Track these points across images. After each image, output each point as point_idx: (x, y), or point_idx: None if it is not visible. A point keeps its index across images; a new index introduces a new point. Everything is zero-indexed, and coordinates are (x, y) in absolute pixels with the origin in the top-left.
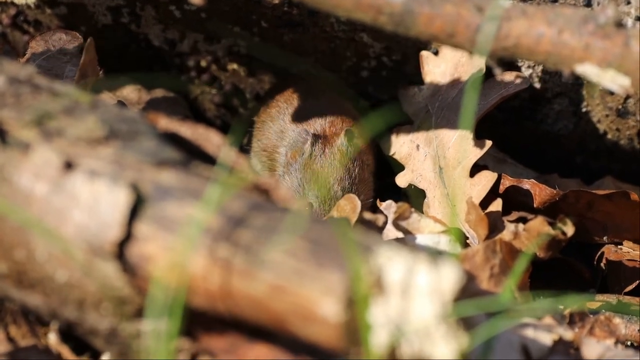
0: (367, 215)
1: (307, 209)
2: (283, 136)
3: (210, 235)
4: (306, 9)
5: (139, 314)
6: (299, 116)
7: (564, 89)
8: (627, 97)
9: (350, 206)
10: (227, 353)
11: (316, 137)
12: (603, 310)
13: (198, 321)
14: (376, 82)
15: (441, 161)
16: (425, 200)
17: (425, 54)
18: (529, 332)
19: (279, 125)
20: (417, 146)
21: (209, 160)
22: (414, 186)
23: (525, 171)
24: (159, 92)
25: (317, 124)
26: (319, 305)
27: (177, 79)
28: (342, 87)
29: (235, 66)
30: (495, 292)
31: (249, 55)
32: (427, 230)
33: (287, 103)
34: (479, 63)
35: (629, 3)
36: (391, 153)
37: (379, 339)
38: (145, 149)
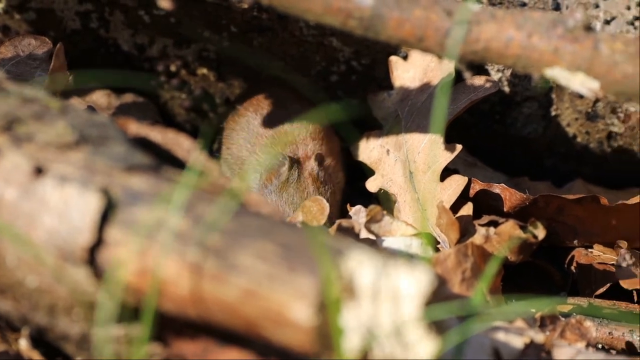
0: (344, 223)
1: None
2: (254, 150)
3: (180, 239)
4: (276, 14)
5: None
6: (268, 125)
7: (533, 93)
8: (597, 100)
9: (317, 207)
10: (199, 358)
11: (293, 161)
12: (574, 314)
13: (169, 326)
14: (346, 87)
15: (411, 166)
16: (396, 204)
17: (394, 59)
18: (501, 335)
19: (249, 136)
20: (387, 151)
21: (179, 164)
22: (384, 190)
23: (496, 175)
24: (128, 97)
25: (291, 147)
26: (291, 309)
27: (146, 78)
28: (311, 92)
29: (204, 71)
30: (467, 296)
31: (219, 59)
32: (399, 233)
33: (256, 113)
34: (448, 67)
35: (597, 7)
36: (361, 158)
37: (350, 343)
38: (115, 153)
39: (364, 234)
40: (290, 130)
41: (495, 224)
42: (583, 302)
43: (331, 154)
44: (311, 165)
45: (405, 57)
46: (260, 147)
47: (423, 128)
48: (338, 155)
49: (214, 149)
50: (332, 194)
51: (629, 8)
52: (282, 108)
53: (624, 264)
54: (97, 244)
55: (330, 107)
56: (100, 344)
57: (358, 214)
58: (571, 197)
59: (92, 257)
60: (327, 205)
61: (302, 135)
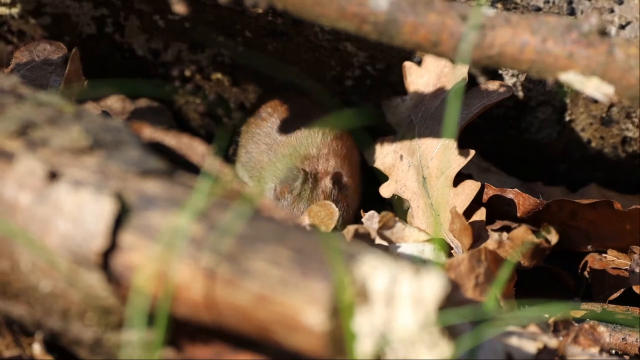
0: (361, 230)
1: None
2: (275, 156)
3: (194, 244)
4: (290, 19)
5: (123, 324)
6: (290, 134)
7: (547, 98)
8: (611, 105)
9: (325, 212)
10: None
11: (307, 175)
12: (587, 319)
13: (182, 331)
14: (360, 91)
15: (425, 171)
16: (410, 210)
17: (408, 64)
18: (514, 340)
19: (271, 141)
20: (401, 156)
21: (194, 169)
22: (398, 196)
23: (509, 180)
24: (143, 102)
25: (310, 160)
26: (304, 314)
27: (160, 85)
28: (326, 96)
29: (219, 76)
30: (480, 301)
31: (233, 64)
32: (412, 239)
33: (280, 119)
34: (462, 72)
35: (612, 11)
36: (375, 163)
37: (363, 348)
38: (129, 158)
39: (379, 240)
40: (313, 142)
41: (508, 229)
42: (596, 307)
43: (350, 173)
44: (326, 183)
45: (419, 62)
46: (281, 154)
47: (436, 133)
48: (357, 173)
49: (228, 154)
50: (344, 213)
51: None
52: (305, 117)
53: (637, 269)
54: (111, 248)
55: (344, 113)
56: (114, 349)
57: (371, 219)
58: (585, 201)
59: (106, 262)
60: (335, 210)
61: (324, 150)
